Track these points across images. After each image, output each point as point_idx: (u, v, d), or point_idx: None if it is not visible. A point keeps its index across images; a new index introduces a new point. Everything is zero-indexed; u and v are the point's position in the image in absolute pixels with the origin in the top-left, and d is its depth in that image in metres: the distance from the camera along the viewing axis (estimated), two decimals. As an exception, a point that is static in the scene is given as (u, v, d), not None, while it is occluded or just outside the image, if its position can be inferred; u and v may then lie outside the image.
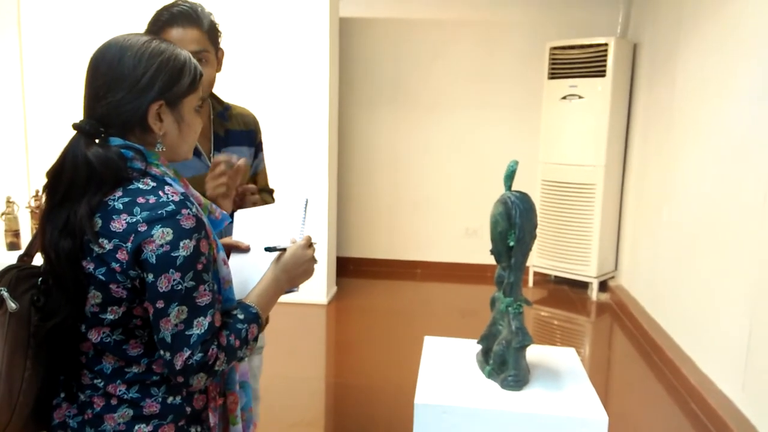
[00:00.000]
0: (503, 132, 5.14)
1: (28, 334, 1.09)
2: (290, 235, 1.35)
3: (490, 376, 1.62)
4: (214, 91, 1.75)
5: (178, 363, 1.04)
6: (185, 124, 1.16)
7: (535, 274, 5.03)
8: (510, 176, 1.60)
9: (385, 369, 3.47)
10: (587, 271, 4.72)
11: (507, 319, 1.60)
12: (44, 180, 1.10)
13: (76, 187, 1.05)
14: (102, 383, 1.09)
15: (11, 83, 4.41)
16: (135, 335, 1.08)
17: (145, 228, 1.02)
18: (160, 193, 1.05)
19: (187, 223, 1.04)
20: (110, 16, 4.23)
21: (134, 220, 1.02)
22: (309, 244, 1.29)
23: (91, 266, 1.04)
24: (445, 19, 5.08)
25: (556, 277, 5.04)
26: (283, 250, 1.26)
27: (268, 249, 1.27)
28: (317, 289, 4.47)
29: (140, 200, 1.04)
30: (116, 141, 1.09)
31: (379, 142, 5.30)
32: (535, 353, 1.76)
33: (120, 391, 1.09)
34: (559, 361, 1.76)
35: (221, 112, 1.74)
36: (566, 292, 4.90)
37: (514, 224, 1.54)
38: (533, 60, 4.92)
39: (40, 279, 1.14)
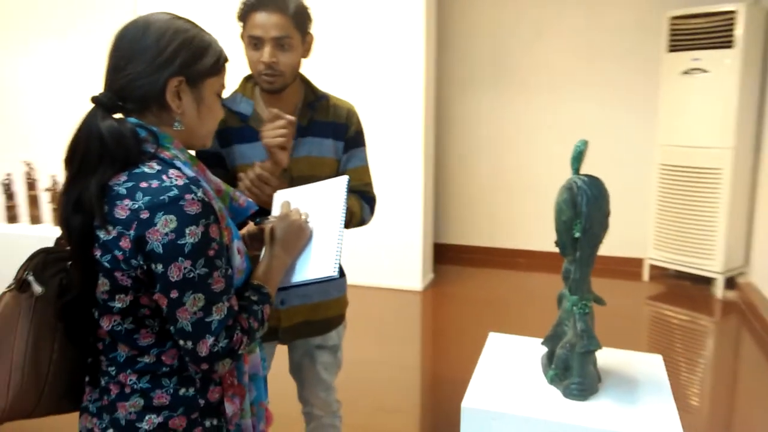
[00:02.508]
0: (615, 112, 4.72)
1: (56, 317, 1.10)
2: (331, 215, 1.31)
3: (552, 381, 1.46)
4: (311, 80, 1.72)
5: (203, 350, 1.02)
6: (205, 106, 1.13)
7: (652, 267, 4.60)
8: (577, 158, 1.42)
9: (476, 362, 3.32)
10: (712, 265, 4.24)
11: (573, 320, 1.42)
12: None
13: (89, 161, 1.03)
14: (114, 371, 1.08)
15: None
16: (145, 324, 1.06)
17: (147, 215, 0.98)
18: (164, 177, 1.01)
19: (192, 209, 1.00)
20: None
21: (136, 206, 0.99)
22: (287, 213, 1.28)
23: (98, 253, 1.03)
24: (550, -9, 4.75)
25: (676, 271, 4.57)
26: (261, 222, 1.30)
27: (257, 222, 1.32)
28: (412, 275, 4.41)
29: (143, 185, 1.01)
30: (131, 120, 1.07)
31: (479, 124, 5.09)
32: (611, 358, 1.56)
33: (131, 380, 1.07)
34: (638, 369, 1.55)
35: (312, 102, 1.68)
36: (687, 288, 4.44)
37: (580, 213, 1.36)
38: (649, 32, 4.46)
39: (70, 262, 1.15)
